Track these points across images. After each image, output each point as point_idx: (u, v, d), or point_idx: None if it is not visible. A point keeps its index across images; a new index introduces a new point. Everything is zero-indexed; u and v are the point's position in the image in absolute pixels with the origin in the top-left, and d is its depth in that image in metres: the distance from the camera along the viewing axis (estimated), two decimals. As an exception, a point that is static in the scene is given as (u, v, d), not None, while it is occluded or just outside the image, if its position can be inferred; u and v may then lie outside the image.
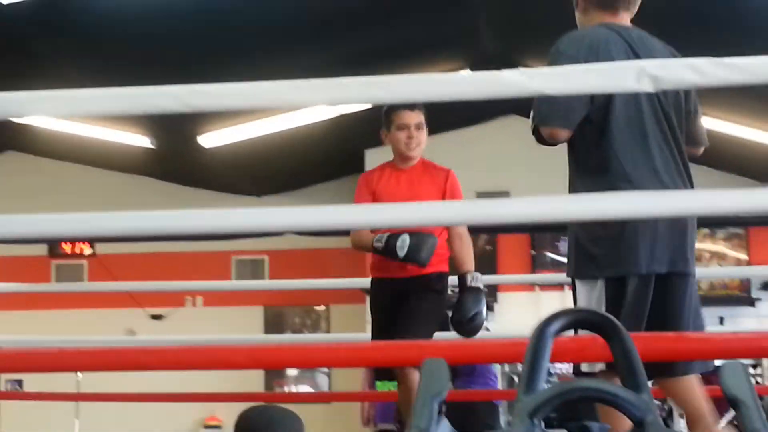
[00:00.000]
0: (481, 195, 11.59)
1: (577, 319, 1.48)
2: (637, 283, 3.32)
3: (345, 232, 5.07)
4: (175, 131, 10.92)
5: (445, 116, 11.35)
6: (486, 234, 12.16)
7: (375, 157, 12.70)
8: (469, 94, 2.67)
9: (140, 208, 4.47)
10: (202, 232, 4.04)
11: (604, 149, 3.38)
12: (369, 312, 5.29)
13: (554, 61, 3.38)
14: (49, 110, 3.08)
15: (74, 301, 11.64)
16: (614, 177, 3.34)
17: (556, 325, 1.47)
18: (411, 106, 4.72)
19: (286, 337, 10.89)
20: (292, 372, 13.20)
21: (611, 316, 1.49)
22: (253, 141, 11.42)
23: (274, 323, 13.11)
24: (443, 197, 4.84)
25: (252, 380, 11.74)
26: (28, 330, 10.15)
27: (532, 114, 3.44)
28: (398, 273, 4.87)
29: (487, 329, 7.08)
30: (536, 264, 12.14)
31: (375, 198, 4.86)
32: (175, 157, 12.32)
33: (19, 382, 11.82)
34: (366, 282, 11.02)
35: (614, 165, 3.37)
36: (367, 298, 12.84)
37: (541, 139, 3.46)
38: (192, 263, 11.78)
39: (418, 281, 4.87)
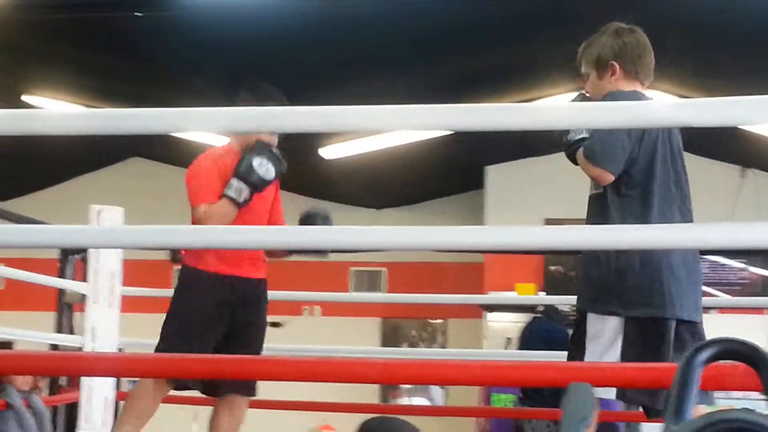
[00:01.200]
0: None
1: (727, 348, 1.46)
2: (669, 325, 3.40)
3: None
4: (296, 142, 11.06)
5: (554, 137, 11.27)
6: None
7: (496, 173, 12.69)
8: (614, 122, 2.65)
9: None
10: (320, 248, 4.05)
11: (644, 188, 3.52)
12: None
13: None
14: (208, 127, 3.14)
15: (193, 305, 11.85)
16: (651, 213, 3.48)
17: (705, 354, 1.46)
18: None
19: (407, 351, 10.89)
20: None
21: (762, 348, 1.47)
22: (374, 154, 11.47)
23: (390, 335, 13.15)
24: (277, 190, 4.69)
25: (367, 391, 11.77)
26: (148, 332, 10.35)
27: (568, 139, 3.57)
28: (250, 272, 4.54)
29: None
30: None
31: (223, 182, 4.50)
32: (296, 167, 12.38)
33: (139, 383, 12.07)
34: (484, 299, 10.89)
35: (652, 202, 3.50)
36: (485, 314, 12.69)
37: (574, 161, 3.61)
38: (310, 273, 11.85)
39: (263, 285, 4.61)
